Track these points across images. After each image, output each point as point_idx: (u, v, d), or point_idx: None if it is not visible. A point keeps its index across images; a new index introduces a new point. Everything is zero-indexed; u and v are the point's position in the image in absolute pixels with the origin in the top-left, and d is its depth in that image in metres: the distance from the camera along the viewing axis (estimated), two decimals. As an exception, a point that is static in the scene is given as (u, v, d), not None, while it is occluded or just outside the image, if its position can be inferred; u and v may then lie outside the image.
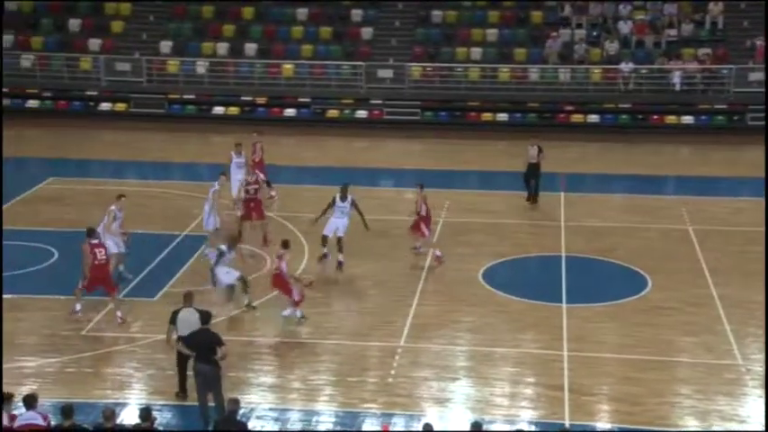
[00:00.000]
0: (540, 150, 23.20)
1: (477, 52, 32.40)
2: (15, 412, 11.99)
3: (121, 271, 18.54)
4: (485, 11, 33.79)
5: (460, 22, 33.54)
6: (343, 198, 19.26)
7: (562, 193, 24.40)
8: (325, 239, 19.37)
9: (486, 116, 31.34)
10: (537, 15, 33.40)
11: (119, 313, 16.80)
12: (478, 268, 19.63)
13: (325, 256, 19.38)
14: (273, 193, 23.21)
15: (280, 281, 17.02)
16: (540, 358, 15.99)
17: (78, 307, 16.94)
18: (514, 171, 24.00)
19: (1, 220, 19.50)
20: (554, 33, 32.18)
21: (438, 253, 19.80)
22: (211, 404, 13.63)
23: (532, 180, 23.36)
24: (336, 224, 19.24)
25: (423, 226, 19.72)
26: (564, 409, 14.35)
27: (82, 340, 16.30)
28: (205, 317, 13.67)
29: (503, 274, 19.48)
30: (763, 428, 13.66)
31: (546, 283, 19.06)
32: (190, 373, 14.09)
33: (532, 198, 23.47)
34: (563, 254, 20.50)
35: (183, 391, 14.36)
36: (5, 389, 12.79)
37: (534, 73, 31.66)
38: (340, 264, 19.18)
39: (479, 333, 16.94)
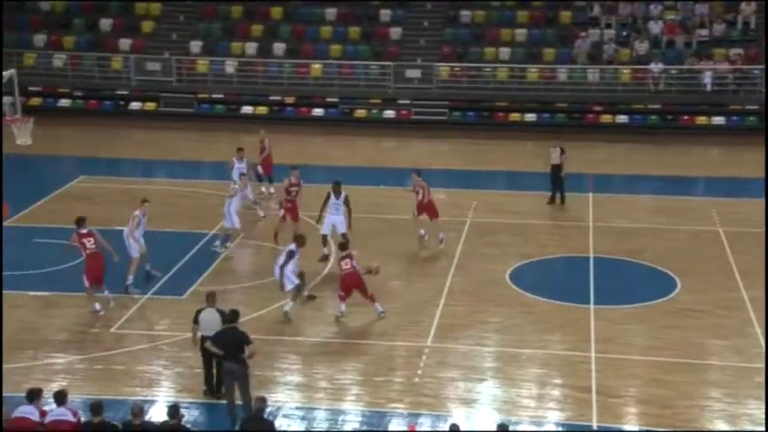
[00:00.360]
0: (562, 152, 23.08)
1: (505, 52, 32.30)
2: (46, 408, 12.14)
3: (148, 270, 18.69)
4: (513, 11, 33.69)
5: (489, 22, 33.45)
6: (338, 195, 19.33)
7: (590, 194, 24.26)
8: (325, 239, 19.49)
9: (514, 116, 31.22)
10: (566, 15, 33.23)
11: (96, 306, 17.03)
12: (505, 269, 19.57)
13: (326, 257, 19.47)
14: (272, 191, 23.50)
15: (355, 279, 16.99)
16: (567, 360, 15.92)
17: (98, 306, 17.10)
18: (542, 172, 23.88)
19: (1, 220, 19.66)
20: (583, 33, 32.00)
21: (441, 235, 20.16)
22: (239, 402, 13.71)
23: (556, 182, 23.26)
24: (333, 221, 19.38)
25: (425, 214, 20.01)
26: (591, 411, 14.27)
27: (111, 337, 16.46)
28: (231, 316, 13.75)
29: (530, 275, 19.40)
30: (763, 429, 13.57)
31: (573, 284, 18.96)
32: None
33: (554, 199, 23.36)
34: (591, 255, 20.38)
35: (210, 389, 14.45)
36: (36, 384, 13.00)
37: (563, 73, 31.50)
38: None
39: (506, 334, 16.89)
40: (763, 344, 16.25)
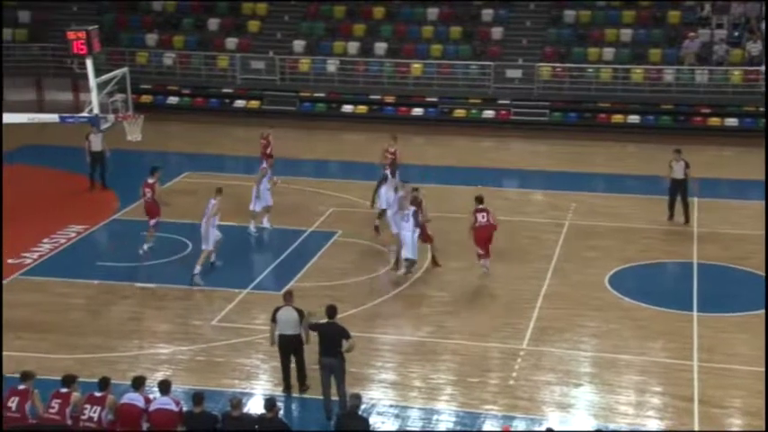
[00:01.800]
0: (686, 165, 21.67)
1: (609, 52, 31.72)
2: (150, 396, 12.56)
3: (213, 261, 19.13)
4: (619, 11, 33.03)
5: (594, 21, 32.90)
6: (393, 174, 20.85)
7: (695, 199, 23.58)
8: (383, 212, 20.57)
9: (617, 118, 30.64)
10: (674, 15, 32.40)
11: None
12: (605, 273, 19.22)
13: (377, 228, 20.85)
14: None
15: (487, 233, 18.42)
16: (668, 367, 15.53)
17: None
18: (644, 175, 23.35)
19: (1, 216, 20.28)
20: (691, 33, 31.12)
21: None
22: (334, 398, 13.87)
23: (676, 197, 21.92)
24: (388, 198, 20.46)
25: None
26: (693, 421, 13.90)
27: (212, 330, 16.87)
28: (330, 311, 13.88)
29: (630, 280, 19.01)
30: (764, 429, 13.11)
31: (676, 290, 18.50)
32: (313, 367, 14.37)
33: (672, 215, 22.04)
34: (695, 260, 19.82)
35: (287, 387, 14.61)
36: (141, 373, 13.45)
37: (669, 74, 30.73)
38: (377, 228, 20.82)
39: (604, 339, 16.58)
40: None
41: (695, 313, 17.33)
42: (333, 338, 13.67)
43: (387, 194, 20.56)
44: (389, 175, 21.04)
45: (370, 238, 20.89)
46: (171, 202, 20.39)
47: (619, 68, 31.11)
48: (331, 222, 22.07)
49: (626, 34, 32.21)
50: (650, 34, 32.22)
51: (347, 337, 13.65)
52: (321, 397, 13.99)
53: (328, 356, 13.69)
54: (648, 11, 32.79)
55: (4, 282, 18.69)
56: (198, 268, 18.53)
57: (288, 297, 14.52)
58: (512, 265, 19.75)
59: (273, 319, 14.40)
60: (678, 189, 21.84)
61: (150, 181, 20.00)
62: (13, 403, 12.19)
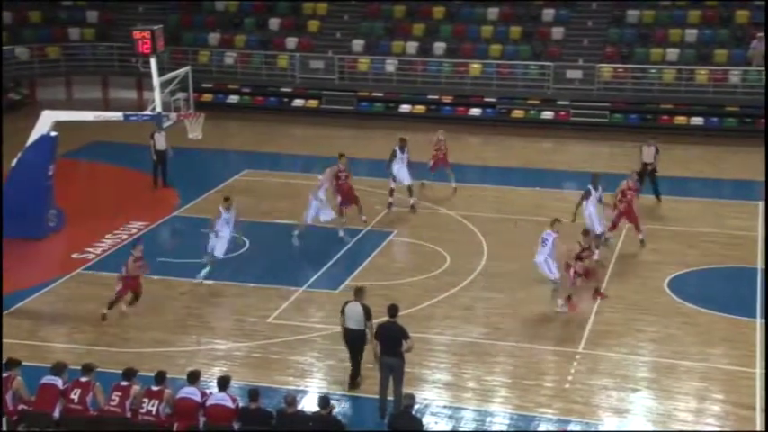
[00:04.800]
0: (657, 151, 22.75)
1: (673, 53, 31.17)
2: (207, 390, 12.73)
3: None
4: (685, 10, 32.44)
5: (658, 21, 32.37)
6: (402, 149, 22.08)
7: (760, 203, 23.06)
8: (392, 191, 22.07)
9: (680, 120, 30.12)
10: (742, 15, 31.70)
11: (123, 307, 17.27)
12: (665, 276, 18.91)
13: (390, 205, 22.14)
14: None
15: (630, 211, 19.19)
16: (730, 374, 15.22)
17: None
18: (707, 178, 22.90)
19: (1, 212, 20.58)
20: (760, 34, 30.40)
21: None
22: (390, 398, 13.88)
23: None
24: (401, 174, 22.03)
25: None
26: (755, 429, 13.57)
27: (268, 327, 17.02)
28: (392, 311, 13.90)
29: (691, 284, 18.66)
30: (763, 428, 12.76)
31: (739, 295, 18.09)
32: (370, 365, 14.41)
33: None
34: (759, 266, 19.38)
35: (353, 383, 14.67)
36: (199, 368, 13.64)
37: (735, 75, 30.08)
38: (413, 207, 22.23)
39: (663, 344, 16.31)
40: None
41: (758, 320, 16.94)
42: (394, 338, 13.68)
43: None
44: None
45: (427, 239, 20.85)
46: (144, 272, 17.73)
47: (683, 69, 30.57)
48: (387, 222, 22.11)
49: (691, 34, 31.62)
50: (716, 34, 31.57)
51: (407, 337, 13.66)
52: (376, 396, 14.01)
53: (389, 356, 13.70)
54: (715, 10, 32.14)
55: (68, 276, 19.14)
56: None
57: (359, 293, 14.59)
58: (569, 268, 19.52)
59: (342, 311, 14.50)
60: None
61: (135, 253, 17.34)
62: (75, 395, 12.47)
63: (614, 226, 20.36)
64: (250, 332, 16.81)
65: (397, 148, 22.30)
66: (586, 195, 19.70)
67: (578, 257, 17.23)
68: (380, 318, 14.16)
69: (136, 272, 17.20)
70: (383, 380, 13.89)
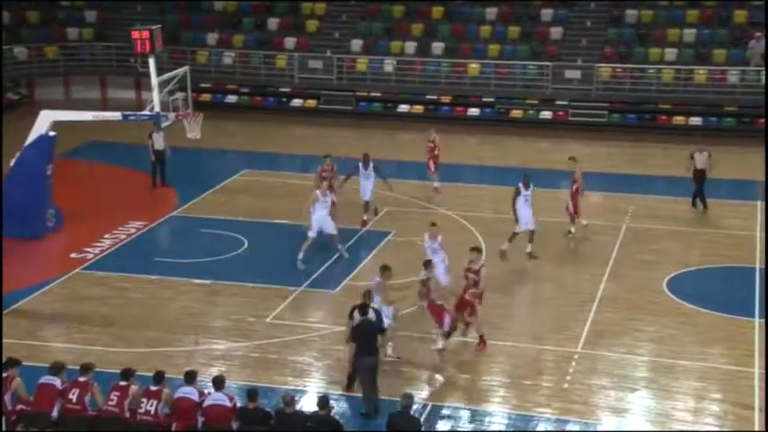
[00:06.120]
0: (709, 155, 22.51)
1: (671, 53, 31.20)
2: (204, 390, 12.71)
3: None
4: (683, 10, 32.50)
5: (656, 21, 32.41)
6: (366, 165, 21.48)
7: (758, 202, 23.08)
8: (367, 205, 21.54)
9: (678, 119, 30.17)
10: (740, 14, 31.74)
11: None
12: (663, 276, 18.91)
13: (365, 222, 21.41)
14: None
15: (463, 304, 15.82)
16: (728, 374, 15.22)
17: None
18: (708, 178, 22.89)
19: (1, 210, 20.61)
20: (758, 34, 30.44)
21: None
22: (383, 397, 13.86)
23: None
24: (366, 187, 21.49)
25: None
26: (753, 429, 13.58)
27: (266, 327, 17.01)
28: (363, 309, 13.92)
29: (690, 284, 18.67)
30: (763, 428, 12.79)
31: (738, 295, 18.09)
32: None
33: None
34: (757, 265, 19.39)
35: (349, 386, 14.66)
36: (196, 368, 13.64)
37: (734, 75, 30.10)
38: (365, 222, 21.50)
39: (662, 344, 16.31)
40: None
41: (757, 319, 16.95)
42: (369, 334, 13.82)
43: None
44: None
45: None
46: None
47: (681, 69, 30.59)
48: (385, 222, 22.11)
49: (689, 34, 31.66)
50: (715, 34, 31.61)
51: (382, 330, 13.90)
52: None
53: (365, 356, 13.77)
54: (713, 10, 32.19)
55: (66, 275, 19.13)
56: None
57: (368, 296, 14.57)
58: (568, 268, 19.55)
59: (350, 317, 14.47)
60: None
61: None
62: (74, 395, 12.46)
63: (575, 210, 20.62)
64: (248, 332, 16.79)
65: (360, 164, 21.64)
66: (517, 193, 19.67)
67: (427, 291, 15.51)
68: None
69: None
70: (364, 381, 13.90)
